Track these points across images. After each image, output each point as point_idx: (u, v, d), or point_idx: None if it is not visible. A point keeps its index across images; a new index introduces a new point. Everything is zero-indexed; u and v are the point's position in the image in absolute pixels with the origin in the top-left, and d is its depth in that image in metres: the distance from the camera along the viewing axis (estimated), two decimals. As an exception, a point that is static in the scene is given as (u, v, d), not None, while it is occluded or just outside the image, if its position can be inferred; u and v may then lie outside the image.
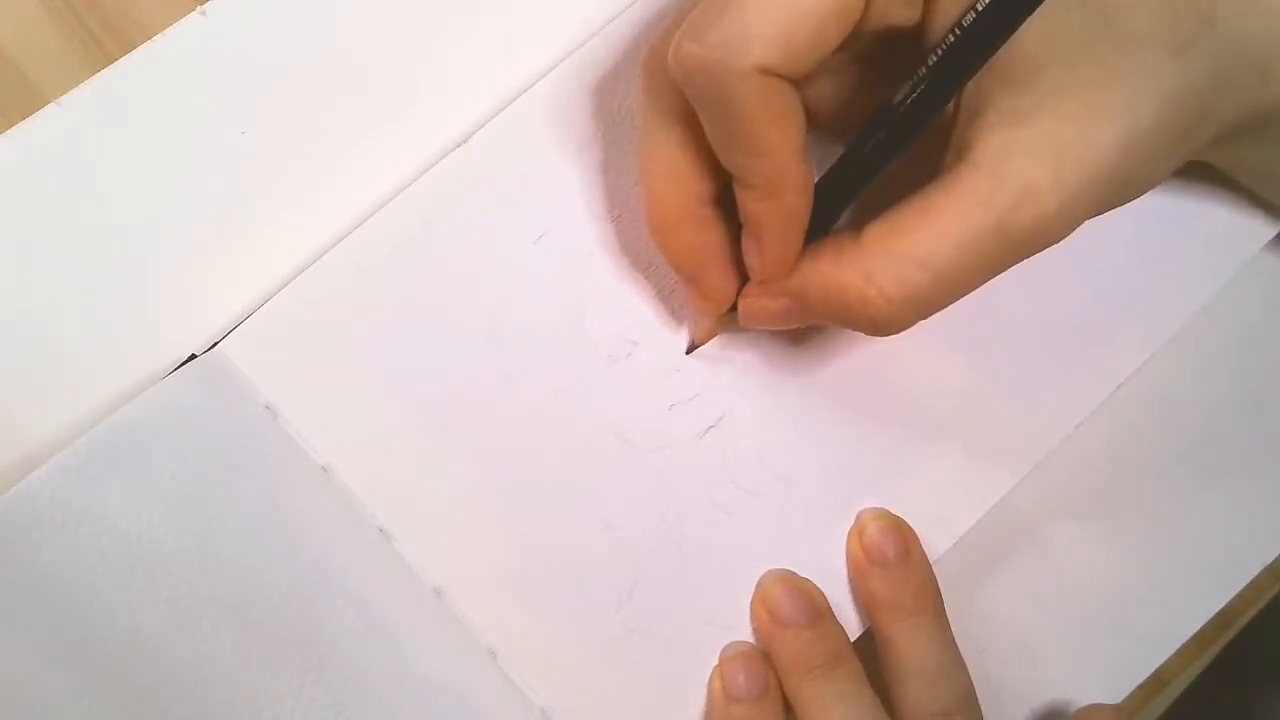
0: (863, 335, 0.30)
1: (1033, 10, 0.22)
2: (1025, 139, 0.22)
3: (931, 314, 0.24)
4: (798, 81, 0.23)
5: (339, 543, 0.28)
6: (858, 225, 0.24)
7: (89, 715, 0.25)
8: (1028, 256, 0.23)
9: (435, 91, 0.31)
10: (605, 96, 0.30)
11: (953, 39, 0.23)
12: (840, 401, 0.30)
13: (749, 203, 0.24)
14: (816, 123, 0.27)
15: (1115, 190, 0.23)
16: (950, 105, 0.24)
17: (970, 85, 0.24)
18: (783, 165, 0.23)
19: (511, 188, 0.30)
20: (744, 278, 0.27)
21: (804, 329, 0.29)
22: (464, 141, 0.30)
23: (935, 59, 0.23)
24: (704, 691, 0.29)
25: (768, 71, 0.22)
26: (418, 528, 0.28)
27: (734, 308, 0.28)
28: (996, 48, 0.22)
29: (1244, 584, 0.32)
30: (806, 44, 0.22)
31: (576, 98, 0.30)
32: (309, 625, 0.27)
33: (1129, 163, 0.23)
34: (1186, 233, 0.31)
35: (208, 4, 0.30)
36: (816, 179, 0.25)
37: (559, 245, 0.30)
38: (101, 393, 0.28)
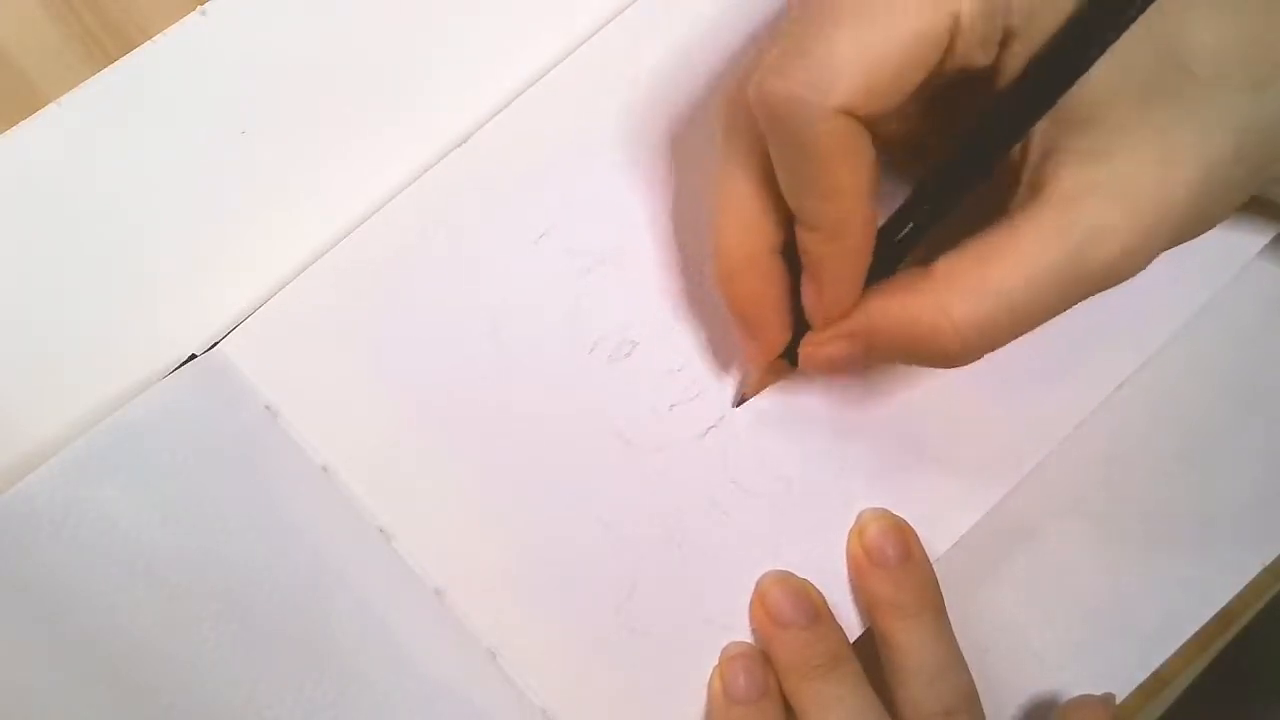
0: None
1: (1099, 55, 0.22)
2: (1099, 178, 0.23)
3: (1001, 346, 0.24)
4: (873, 122, 0.23)
5: (339, 543, 0.28)
6: (924, 263, 0.24)
7: (89, 715, 0.25)
8: (1098, 292, 0.23)
9: (435, 91, 0.31)
10: (605, 96, 0.30)
11: (1022, 80, 0.23)
12: (840, 402, 0.30)
13: (812, 245, 0.24)
14: (889, 153, 0.27)
15: (1188, 228, 0.23)
16: (1020, 145, 0.24)
17: (1042, 124, 0.24)
18: (850, 208, 0.23)
19: (511, 188, 0.30)
20: (799, 327, 0.27)
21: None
22: (464, 141, 0.30)
23: (1005, 99, 0.23)
24: (704, 692, 0.29)
25: (849, 112, 0.22)
26: (418, 528, 0.28)
27: (785, 355, 0.28)
28: (1063, 90, 0.23)
29: (1244, 584, 0.32)
30: (889, 86, 0.22)
31: (576, 98, 0.30)
32: (309, 625, 0.27)
33: (1203, 201, 0.23)
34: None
35: (208, 4, 0.30)
36: (881, 221, 0.25)
37: (559, 245, 0.30)
38: (101, 393, 0.28)
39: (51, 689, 0.25)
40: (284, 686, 0.26)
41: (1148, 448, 0.33)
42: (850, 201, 0.23)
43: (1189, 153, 0.22)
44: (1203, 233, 0.24)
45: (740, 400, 0.30)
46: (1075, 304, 0.24)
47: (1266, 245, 0.31)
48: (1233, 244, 0.31)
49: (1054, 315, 0.24)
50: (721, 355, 0.30)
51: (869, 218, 0.24)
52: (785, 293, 0.26)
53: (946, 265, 0.24)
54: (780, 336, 0.27)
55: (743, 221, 0.26)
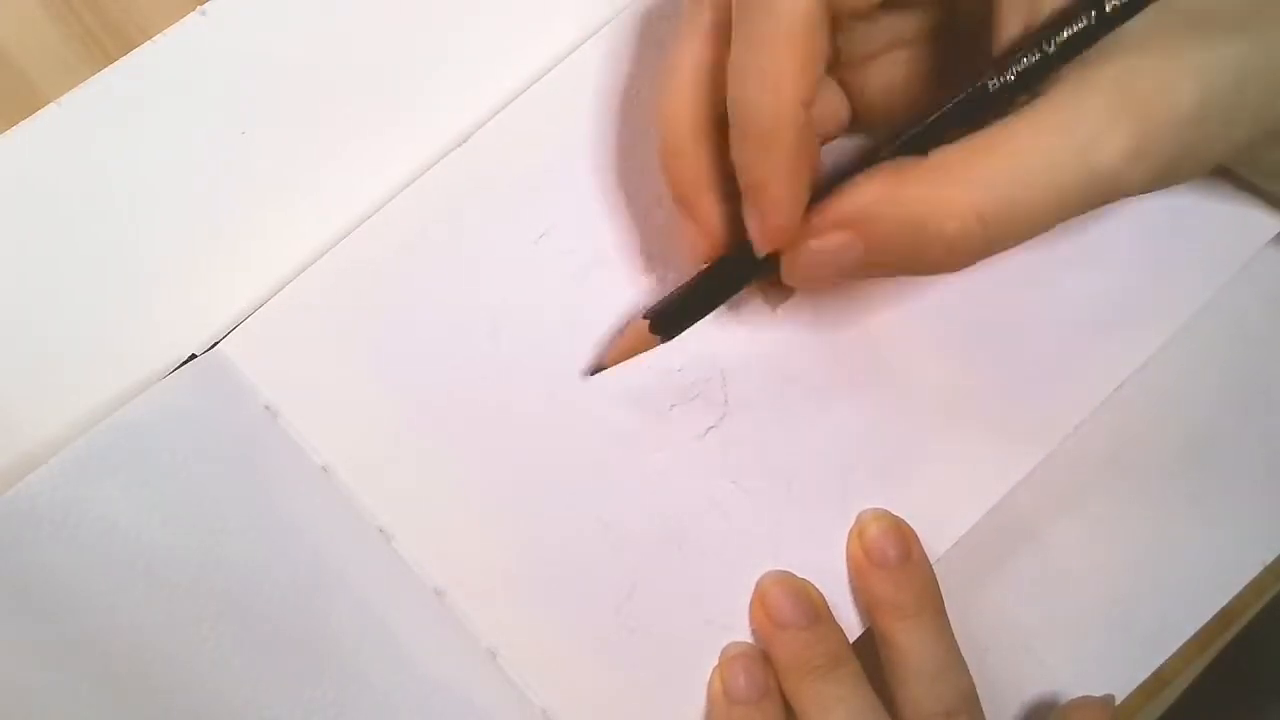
0: (864, 335, 0.30)
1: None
2: (1106, 79, 0.22)
3: (1002, 247, 0.23)
4: (841, 23, 0.23)
5: (339, 542, 0.28)
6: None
7: (89, 715, 0.25)
8: (1102, 201, 0.23)
9: (435, 91, 0.31)
10: (605, 96, 0.30)
11: (1069, 31, 0.23)
12: (840, 402, 0.30)
13: (745, 156, 0.23)
14: (865, 119, 0.27)
15: (1188, 149, 0.23)
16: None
17: None
18: (786, 105, 0.23)
19: (512, 187, 0.30)
20: (739, 226, 0.25)
21: (809, 324, 0.30)
22: (464, 141, 0.30)
23: (1036, 49, 0.23)
24: (704, 692, 0.29)
25: None
26: (418, 528, 0.28)
27: (661, 331, 0.27)
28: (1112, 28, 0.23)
29: (1244, 584, 0.32)
30: None
31: (576, 98, 0.30)
32: (309, 625, 0.27)
33: (1204, 122, 0.22)
34: (1187, 232, 0.31)
35: (208, 4, 0.30)
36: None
37: (559, 245, 0.30)
38: (101, 393, 0.28)
39: (51, 689, 0.25)
40: (284, 686, 0.26)
41: (1148, 448, 0.33)
42: (787, 95, 0.23)
43: (1194, 69, 0.22)
44: (1195, 172, 0.24)
45: (595, 369, 0.29)
46: (1077, 212, 0.23)
47: (1267, 244, 0.31)
48: (1233, 243, 0.31)
49: (1055, 220, 0.23)
50: (721, 356, 0.30)
51: (804, 129, 0.23)
52: (729, 177, 0.25)
53: (947, 154, 0.23)
54: (720, 222, 0.26)
55: (692, 87, 0.25)
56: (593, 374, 0.29)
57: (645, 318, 0.27)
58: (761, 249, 0.25)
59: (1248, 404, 0.33)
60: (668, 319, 0.27)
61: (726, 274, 0.27)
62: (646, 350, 0.28)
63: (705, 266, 0.27)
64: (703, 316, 0.27)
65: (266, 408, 0.28)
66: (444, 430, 0.29)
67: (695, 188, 0.25)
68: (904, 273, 0.24)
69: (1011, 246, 0.23)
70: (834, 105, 0.27)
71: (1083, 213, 0.23)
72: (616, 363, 0.28)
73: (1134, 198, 0.23)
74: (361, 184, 0.30)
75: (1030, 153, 0.22)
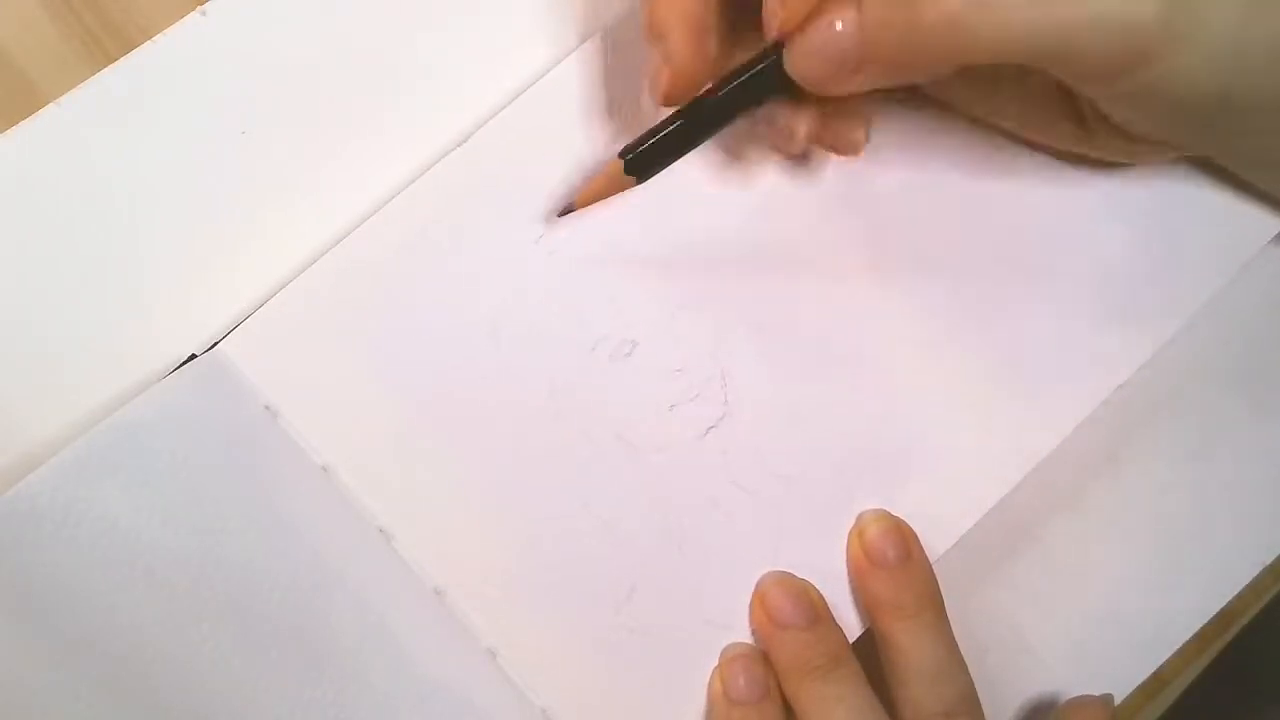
0: (863, 335, 0.30)
1: None
2: None
3: (972, 53, 0.23)
4: None
5: (339, 543, 0.28)
6: None
7: (89, 715, 0.25)
8: (1101, 58, 0.23)
9: (435, 91, 0.31)
10: (605, 96, 0.30)
11: None
12: (840, 402, 0.30)
13: None
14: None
15: (1223, 51, 0.23)
16: None
17: None
18: None
19: (511, 188, 0.30)
20: (715, 66, 0.25)
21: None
22: (464, 141, 0.30)
23: None
24: (704, 692, 0.29)
25: None
26: (418, 528, 0.28)
27: (635, 171, 0.26)
28: None
29: (1244, 584, 0.32)
30: None
31: (576, 97, 0.30)
32: (309, 625, 0.27)
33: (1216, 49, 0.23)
34: (1187, 232, 0.31)
35: (208, 4, 0.30)
36: None
37: (559, 245, 0.30)
38: (101, 393, 0.28)
39: (51, 689, 0.25)
40: (284, 686, 0.26)
41: (1148, 447, 0.33)
42: None
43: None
44: (1190, 107, 0.24)
45: (564, 210, 0.28)
46: (1052, 51, 0.23)
47: (1268, 243, 0.31)
48: (1234, 242, 0.31)
49: (1030, 40, 0.23)
50: (721, 356, 0.30)
51: None
52: (710, 15, 0.25)
53: None
54: (692, 60, 0.25)
55: None
56: (561, 215, 0.28)
57: (621, 157, 0.26)
58: (776, 29, 0.24)
59: (1248, 404, 0.33)
60: (642, 159, 0.26)
61: (702, 115, 0.26)
62: (620, 192, 0.27)
63: (678, 109, 0.26)
64: (678, 158, 0.26)
65: (266, 408, 0.28)
66: (444, 430, 0.29)
67: (668, 18, 0.25)
68: (892, 75, 0.24)
69: (981, 55, 0.23)
70: None
71: (1062, 65, 0.23)
72: (586, 204, 0.27)
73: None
74: (361, 184, 0.30)
75: None
